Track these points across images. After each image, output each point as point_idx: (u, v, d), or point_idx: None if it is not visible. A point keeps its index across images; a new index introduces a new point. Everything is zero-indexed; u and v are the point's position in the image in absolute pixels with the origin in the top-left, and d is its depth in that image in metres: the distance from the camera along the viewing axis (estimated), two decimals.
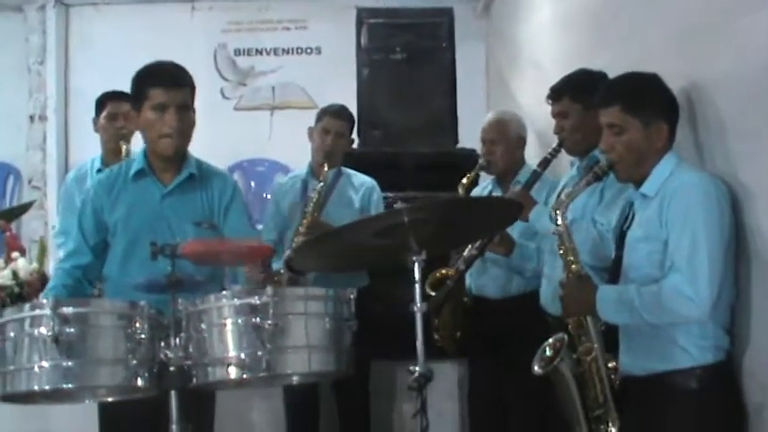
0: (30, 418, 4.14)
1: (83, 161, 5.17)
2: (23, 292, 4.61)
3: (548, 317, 3.89)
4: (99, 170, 4.85)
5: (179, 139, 3.48)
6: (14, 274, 4.73)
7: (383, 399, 5.05)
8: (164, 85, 3.44)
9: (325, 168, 4.69)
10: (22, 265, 4.80)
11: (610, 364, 3.10)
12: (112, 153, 4.75)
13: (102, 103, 4.86)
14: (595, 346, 3.10)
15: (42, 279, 4.84)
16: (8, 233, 5.13)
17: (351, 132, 4.98)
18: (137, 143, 4.66)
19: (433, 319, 4.51)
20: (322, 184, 4.66)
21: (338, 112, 4.92)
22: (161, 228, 3.43)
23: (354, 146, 5.62)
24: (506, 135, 4.59)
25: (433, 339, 4.58)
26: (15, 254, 4.87)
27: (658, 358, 2.92)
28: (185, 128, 3.49)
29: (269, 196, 5.56)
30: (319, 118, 4.90)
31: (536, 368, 3.19)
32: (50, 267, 6.98)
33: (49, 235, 7.91)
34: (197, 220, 3.47)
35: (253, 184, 8.55)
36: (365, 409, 4.90)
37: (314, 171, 4.85)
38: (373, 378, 4.90)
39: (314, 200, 4.60)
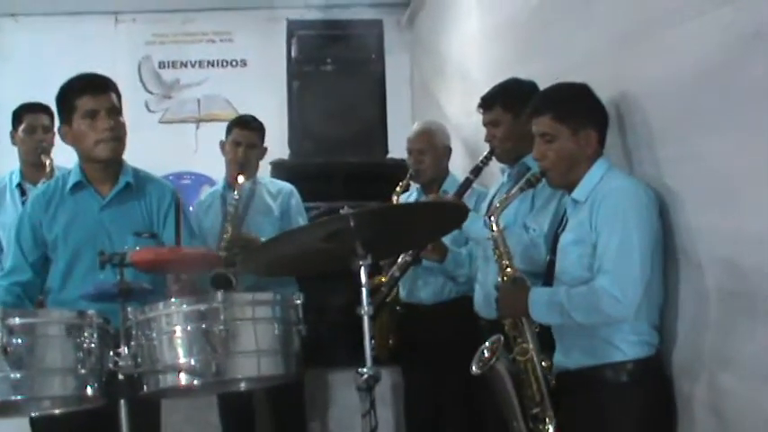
0: None
1: (0, 174, 5.10)
2: None
3: (481, 321, 3.96)
4: (18, 184, 4.81)
5: (115, 141, 3.49)
6: None
7: (317, 406, 5.09)
8: (90, 92, 3.47)
9: (240, 180, 4.69)
10: None
11: (545, 364, 3.19)
12: (32, 167, 4.71)
13: (18, 115, 4.82)
14: (531, 346, 3.18)
15: None
16: None
17: (262, 142, 4.97)
18: (57, 156, 4.66)
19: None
20: (237, 197, 4.65)
21: (247, 122, 4.93)
22: (101, 239, 3.43)
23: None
24: (434, 145, 4.68)
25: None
26: None
27: (589, 353, 3.04)
28: (120, 130, 3.51)
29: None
30: (229, 131, 4.91)
31: (474, 368, 3.26)
32: None
33: None
34: (137, 231, 3.50)
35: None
36: (301, 416, 4.91)
37: (230, 184, 4.83)
38: (306, 386, 4.92)
39: (231, 213, 4.60)
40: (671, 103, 2.96)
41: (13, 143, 4.86)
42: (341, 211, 2.73)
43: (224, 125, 5.05)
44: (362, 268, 2.85)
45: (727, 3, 2.57)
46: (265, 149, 5.05)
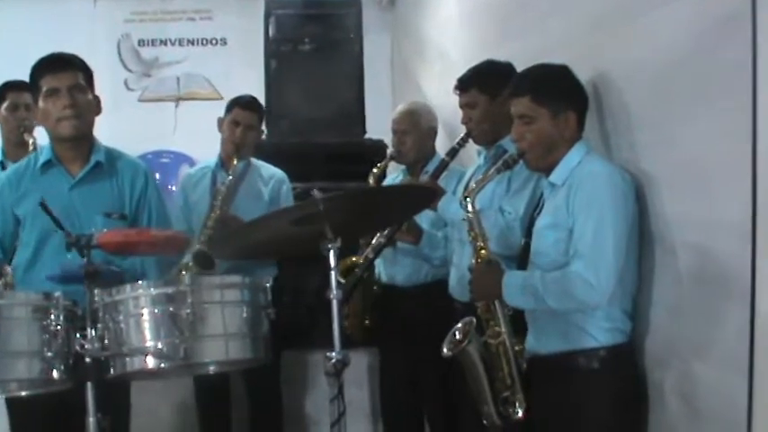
0: None
1: None
2: None
3: (456, 303, 3.95)
4: (0, 162, 4.76)
5: (76, 119, 3.45)
6: None
7: (294, 388, 5.08)
8: (51, 71, 3.45)
9: (235, 161, 4.67)
10: None
11: (517, 348, 3.18)
12: (15, 145, 4.66)
13: (2, 93, 4.74)
14: (503, 330, 3.17)
15: None
16: None
17: (261, 124, 4.95)
18: (40, 135, 4.61)
19: (343, 307, 4.54)
20: (231, 177, 4.63)
21: (248, 103, 4.88)
22: (70, 219, 3.39)
23: (263, 137, 5.62)
24: (418, 125, 4.64)
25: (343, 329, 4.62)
26: None
27: (560, 339, 3.02)
28: (82, 108, 3.47)
29: (173, 188, 5.44)
30: (229, 109, 4.86)
31: (445, 350, 3.25)
32: None
33: None
34: (107, 211, 3.48)
35: (158, 176, 8.38)
36: (277, 398, 4.90)
37: (224, 162, 4.80)
38: (284, 368, 4.91)
39: (222, 193, 4.57)
40: (647, 87, 2.94)
41: None
42: (311, 194, 2.71)
43: (204, 104, 5.01)
44: (331, 251, 2.82)
45: None
46: (263, 131, 5.03)
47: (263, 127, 5.14)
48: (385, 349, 4.88)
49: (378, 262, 4.60)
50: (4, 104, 4.70)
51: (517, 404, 3.15)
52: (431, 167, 4.49)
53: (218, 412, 4.91)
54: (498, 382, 3.18)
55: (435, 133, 4.75)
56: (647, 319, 2.98)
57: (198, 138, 4.94)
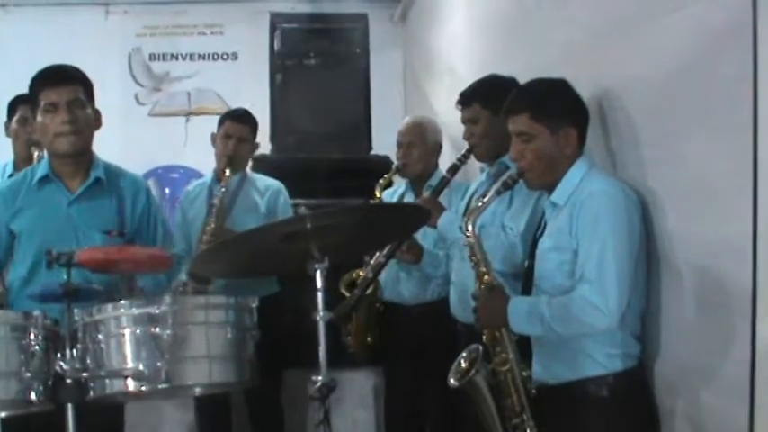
0: None
1: None
2: None
3: (458, 324, 3.86)
4: (11, 175, 4.73)
5: (74, 135, 3.38)
6: None
7: (296, 408, 4.99)
8: (50, 84, 3.37)
9: (227, 173, 4.62)
10: None
11: (525, 373, 3.07)
12: (24, 159, 4.64)
13: (14, 106, 4.75)
14: (510, 356, 3.05)
15: None
16: None
17: (254, 136, 4.90)
18: None
19: (344, 325, 4.47)
20: (224, 189, 4.58)
21: (239, 116, 4.85)
22: (68, 236, 3.33)
23: (267, 152, 5.58)
24: (424, 139, 4.57)
25: (346, 347, 4.55)
26: None
27: (568, 367, 2.92)
28: (81, 124, 3.39)
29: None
30: (221, 123, 4.84)
31: (452, 381, 3.14)
32: None
33: None
34: (106, 229, 3.41)
35: (168, 190, 8.42)
36: (278, 418, 4.84)
37: (219, 177, 4.75)
38: (287, 387, 4.84)
39: (217, 206, 4.53)
40: (650, 102, 2.85)
41: (7, 135, 4.81)
42: (298, 212, 2.63)
43: (214, 119, 4.99)
44: (318, 272, 2.74)
45: None
46: (257, 145, 4.99)
47: (267, 141, 5.10)
48: (389, 370, 4.81)
49: (382, 279, 4.50)
50: (15, 117, 4.69)
51: (528, 431, 3.04)
52: (434, 182, 4.40)
53: (218, 430, 4.84)
54: (507, 410, 3.07)
55: (440, 149, 4.67)
56: (656, 342, 2.88)
57: (208, 153, 4.89)
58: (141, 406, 3.73)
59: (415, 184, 4.60)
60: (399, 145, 4.62)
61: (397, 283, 4.55)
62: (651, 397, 2.89)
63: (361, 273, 4.44)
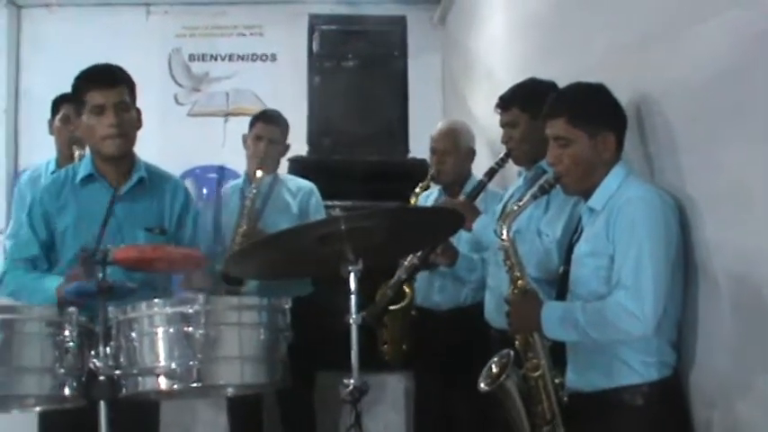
0: None
1: (32, 163, 5.10)
2: None
3: (491, 330, 3.84)
4: (53, 173, 4.78)
5: (121, 138, 3.41)
6: None
7: (328, 411, 4.98)
8: (97, 86, 3.39)
9: (258, 175, 4.62)
10: None
11: (557, 380, 3.04)
12: (66, 156, 4.69)
13: (57, 105, 4.81)
14: (542, 362, 3.03)
15: None
16: None
17: (285, 138, 4.91)
18: None
19: (380, 332, 4.46)
20: (255, 191, 4.59)
21: (271, 117, 4.86)
22: (111, 234, 3.31)
23: (304, 153, 5.58)
24: (457, 146, 4.56)
25: (382, 355, 4.55)
26: None
27: (603, 375, 2.88)
28: (127, 127, 3.43)
29: None
30: (252, 124, 4.86)
31: (482, 385, 3.11)
32: None
33: None
34: (148, 226, 3.45)
35: (205, 190, 8.47)
36: (310, 421, 4.83)
37: (250, 179, 4.76)
38: (320, 389, 4.83)
39: (248, 207, 4.54)
40: (690, 107, 2.81)
41: (51, 132, 4.87)
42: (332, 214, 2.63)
43: None
44: (352, 274, 2.73)
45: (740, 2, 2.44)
46: (288, 146, 4.98)
47: (304, 143, 5.10)
48: (419, 373, 4.79)
49: (416, 285, 4.49)
50: (59, 116, 4.74)
51: None
52: (468, 189, 4.38)
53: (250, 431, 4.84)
54: (537, 417, 3.04)
55: (474, 155, 4.65)
56: (692, 351, 2.84)
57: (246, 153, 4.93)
58: (176, 406, 3.75)
59: (449, 189, 4.58)
60: (433, 151, 4.61)
61: (430, 288, 4.54)
62: (686, 407, 2.85)
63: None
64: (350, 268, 2.76)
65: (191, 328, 2.68)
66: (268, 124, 4.82)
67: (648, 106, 3.08)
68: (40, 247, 3.45)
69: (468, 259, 4.26)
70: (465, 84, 7.07)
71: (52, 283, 3.23)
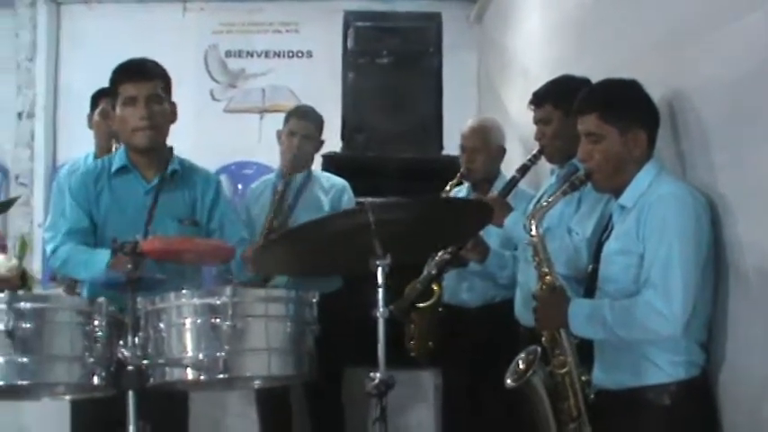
0: (2, 411, 4.09)
1: (71, 158, 5.15)
2: (1, 288, 4.55)
3: (520, 327, 3.82)
4: None
5: (152, 129, 3.45)
6: None
7: (357, 405, 4.99)
8: (131, 78, 3.44)
9: (291, 171, 4.63)
10: (2, 261, 4.75)
11: (584, 378, 3.02)
12: (105, 150, 4.72)
13: (96, 99, 4.84)
14: (569, 359, 3.01)
15: (22, 276, 4.80)
16: None
17: (319, 134, 4.90)
18: None
19: (407, 328, 4.46)
20: (286, 186, 4.60)
21: (305, 113, 4.86)
22: (142, 224, 3.40)
23: (338, 149, 5.57)
24: (488, 143, 4.54)
25: (408, 351, 4.54)
26: None
27: (631, 373, 2.86)
28: (158, 119, 3.47)
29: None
30: (286, 120, 4.85)
31: (508, 381, 3.11)
32: (33, 264, 6.99)
33: (36, 232, 7.91)
34: (180, 217, 3.48)
35: (240, 186, 8.50)
36: (339, 415, 4.83)
37: (283, 174, 4.76)
38: (349, 385, 4.83)
39: (279, 203, 4.55)
40: (723, 104, 2.79)
41: (90, 126, 4.90)
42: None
43: None
44: (380, 269, 2.72)
45: None
46: (322, 142, 4.98)
47: (338, 139, 5.10)
48: (448, 370, 4.79)
49: (444, 283, 4.48)
50: (97, 110, 4.79)
51: None
52: (498, 187, 4.37)
53: (279, 425, 4.87)
54: (564, 414, 3.03)
55: (504, 152, 4.63)
56: (722, 350, 2.82)
57: None
58: (205, 398, 3.78)
59: (479, 187, 4.57)
60: (463, 149, 4.59)
61: (459, 286, 4.53)
62: (714, 408, 2.83)
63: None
64: (378, 263, 2.76)
65: (218, 320, 2.70)
66: (302, 120, 4.82)
67: (681, 103, 3.06)
68: (87, 216, 3.50)
69: (499, 256, 4.24)
70: (500, 82, 7.04)
71: (104, 257, 3.26)
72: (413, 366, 4.79)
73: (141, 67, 3.52)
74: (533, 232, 3.10)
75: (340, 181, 4.92)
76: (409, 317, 4.42)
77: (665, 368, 2.80)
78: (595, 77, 3.40)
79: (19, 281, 4.65)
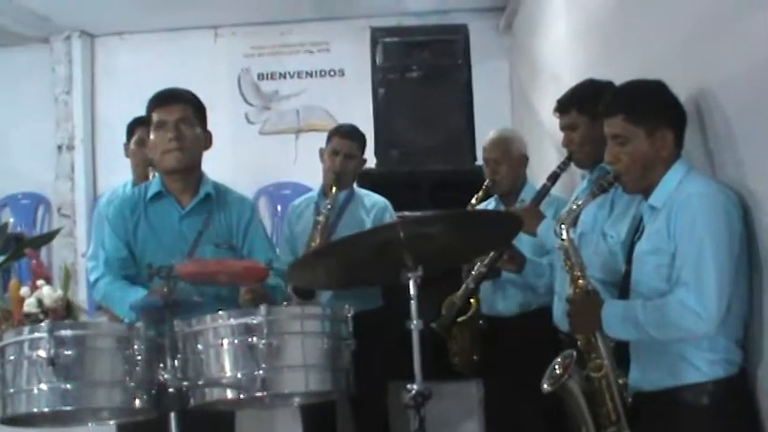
0: None
1: (110, 187, 5.22)
2: (48, 319, 4.63)
3: (560, 334, 3.81)
4: None
5: (180, 151, 3.51)
6: (39, 302, 4.77)
7: (400, 419, 5.00)
8: (161, 104, 3.54)
9: (334, 190, 4.65)
10: (47, 292, 4.83)
11: (621, 381, 3.01)
12: (142, 178, 4.79)
13: (132, 128, 4.92)
14: (606, 362, 3.01)
15: (67, 306, 4.88)
16: (34, 261, 5.19)
17: (362, 153, 4.92)
18: None
19: (450, 344, 4.46)
20: (329, 206, 4.61)
21: (347, 132, 4.88)
22: (179, 249, 3.46)
23: (371, 165, 5.60)
24: (509, 153, 4.55)
25: (453, 367, 4.55)
26: (41, 281, 4.92)
27: (667, 374, 2.85)
28: (187, 142, 3.52)
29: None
30: (329, 139, 4.87)
31: (545, 386, 3.11)
32: (79, 294, 7.09)
33: (80, 262, 8.02)
34: (216, 242, 3.52)
35: (279, 207, 8.56)
36: (384, 429, 4.84)
37: (325, 193, 4.79)
38: (391, 399, 4.83)
39: (321, 223, 4.56)
40: (749, 101, 2.77)
41: (127, 155, 4.98)
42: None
43: (323, 135, 5.04)
44: (411, 281, 2.74)
45: None
46: (364, 160, 5.01)
47: (372, 155, 5.12)
48: (489, 381, 4.77)
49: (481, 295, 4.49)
50: (133, 139, 4.85)
51: None
52: (525, 196, 4.40)
53: None
54: (602, 418, 3.01)
55: (527, 160, 4.64)
56: (760, 348, 2.78)
57: (319, 169, 4.96)
58: (251, 416, 3.80)
59: (505, 198, 4.58)
60: (486, 162, 4.60)
61: (494, 296, 4.52)
62: (754, 406, 2.79)
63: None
64: (409, 275, 2.77)
65: (254, 339, 2.73)
66: (344, 138, 4.83)
67: (707, 101, 3.05)
68: (126, 247, 3.56)
69: (535, 264, 4.23)
70: (532, 89, 7.04)
71: (136, 294, 3.32)
72: (458, 378, 4.80)
73: (171, 93, 3.60)
74: (564, 236, 3.10)
75: (381, 200, 4.93)
76: (451, 334, 4.43)
77: (702, 367, 2.78)
78: (623, 79, 3.40)
79: (64, 311, 4.77)
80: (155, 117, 3.54)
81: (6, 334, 2.84)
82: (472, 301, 4.43)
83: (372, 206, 4.87)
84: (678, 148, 2.96)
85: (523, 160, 4.62)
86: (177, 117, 3.51)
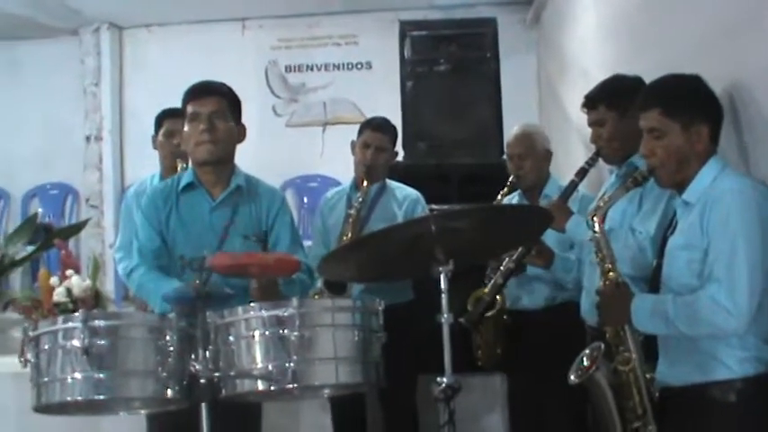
0: (81, 428, 4.18)
1: (138, 179, 5.26)
2: (77, 308, 4.67)
3: (588, 328, 3.81)
4: None
5: (212, 144, 3.52)
6: (68, 292, 4.83)
7: (430, 412, 5.01)
8: (195, 97, 3.55)
9: (365, 183, 4.65)
10: (76, 282, 4.90)
11: (648, 375, 3.01)
12: (170, 170, 4.81)
13: (160, 120, 4.93)
14: (634, 356, 3.00)
15: (96, 296, 4.93)
16: (63, 251, 5.24)
17: (393, 146, 4.91)
18: None
19: (475, 337, 4.47)
20: (361, 199, 4.62)
21: (379, 125, 4.86)
22: (209, 240, 3.48)
23: (399, 158, 5.61)
24: (533, 149, 4.55)
25: (476, 361, 4.56)
26: (70, 271, 4.97)
27: (696, 369, 2.84)
28: (220, 134, 3.53)
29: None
30: (360, 131, 4.85)
31: (572, 377, 3.11)
32: (106, 284, 7.15)
33: (107, 252, 8.09)
34: (245, 234, 3.53)
35: (306, 199, 8.60)
36: (413, 421, 4.83)
37: (357, 186, 4.79)
38: (421, 392, 4.85)
39: (353, 216, 4.57)
40: None
41: (155, 147, 4.99)
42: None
43: (350, 128, 5.04)
44: (442, 275, 2.74)
45: None
46: (396, 153, 5.01)
47: (399, 148, 5.13)
48: (514, 375, 4.79)
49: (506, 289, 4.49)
50: (162, 131, 4.88)
51: None
52: (549, 191, 4.41)
53: None
54: (629, 412, 3.01)
55: (550, 155, 4.64)
56: None
57: (345, 161, 4.96)
58: (279, 408, 3.82)
59: (529, 193, 4.58)
60: (510, 158, 4.61)
61: (519, 291, 4.54)
62: None
63: (485, 291, 4.44)
64: (440, 269, 2.78)
65: (286, 331, 2.74)
66: (376, 132, 4.82)
67: (741, 96, 3.03)
68: (159, 236, 3.58)
69: (563, 259, 4.23)
70: (560, 83, 7.02)
71: (170, 286, 3.32)
72: (482, 372, 4.81)
73: (205, 86, 3.61)
74: (596, 228, 3.11)
75: (413, 192, 4.90)
76: (477, 329, 4.44)
77: (731, 365, 2.77)
78: (654, 74, 3.38)
79: (93, 300, 4.82)
80: (189, 109, 3.55)
81: (41, 323, 2.86)
82: (497, 296, 4.44)
83: (404, 199, 4.85)
84: (714, 143, 2.94)
85: (547, 155, 4.62)
86: (211, 110, 3.52)
